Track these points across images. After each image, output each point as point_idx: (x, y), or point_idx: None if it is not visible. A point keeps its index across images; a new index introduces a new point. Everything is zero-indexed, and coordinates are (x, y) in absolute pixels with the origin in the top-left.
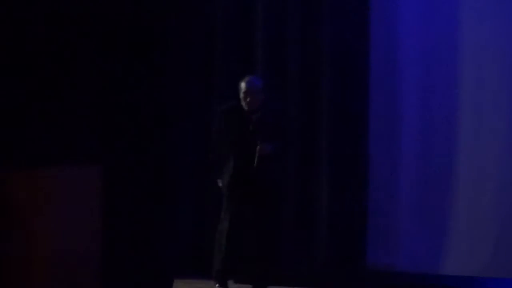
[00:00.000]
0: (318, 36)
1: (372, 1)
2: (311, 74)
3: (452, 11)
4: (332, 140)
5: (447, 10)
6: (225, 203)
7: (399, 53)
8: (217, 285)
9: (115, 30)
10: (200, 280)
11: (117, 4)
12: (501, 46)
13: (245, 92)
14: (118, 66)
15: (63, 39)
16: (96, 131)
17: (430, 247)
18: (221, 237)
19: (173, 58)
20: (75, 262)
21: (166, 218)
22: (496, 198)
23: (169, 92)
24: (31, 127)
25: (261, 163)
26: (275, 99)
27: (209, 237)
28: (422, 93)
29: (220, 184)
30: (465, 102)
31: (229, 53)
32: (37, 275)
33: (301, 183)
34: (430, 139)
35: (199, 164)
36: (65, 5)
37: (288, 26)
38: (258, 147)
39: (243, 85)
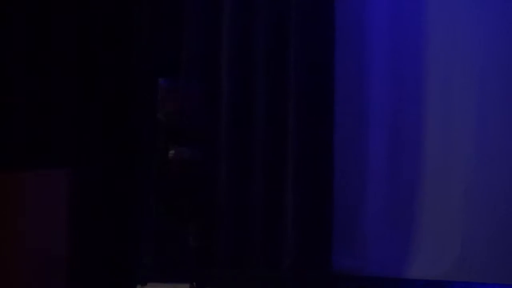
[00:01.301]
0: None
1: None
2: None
3: (420, 17)
4: (297, 143)
5: (415, 15)
6: None
7: (365, 60)
8: None
9: (86, 30)
10: (173, 283)
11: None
12: (470, 49)
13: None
14: (86, 67)
15: (32, 41)
16: (65, 133)
17: (397, 250)
18: None
19: (143, 59)
20: (42, 263)
21: (135, 219)
22: (464, 201)
23: (139, 92)
24: None
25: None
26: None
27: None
28: (390, 98)
29: None
30: (433, 106)
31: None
32: (4, 276)
33: (265, 186)
34: (398, 143)
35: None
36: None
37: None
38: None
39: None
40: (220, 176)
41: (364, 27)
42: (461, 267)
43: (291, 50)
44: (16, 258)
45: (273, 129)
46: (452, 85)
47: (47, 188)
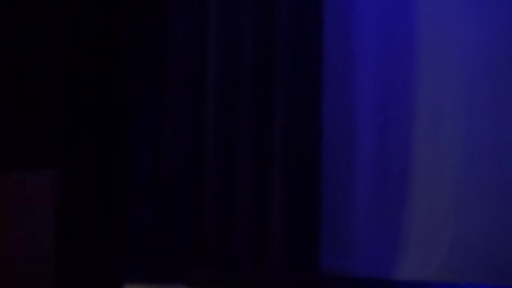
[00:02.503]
0: (271, 39)
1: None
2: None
3: (410, 17)
4: (284, 143)
5: (404, 16)
6: None
7: (354, 61)
8: None
9: (72, 32)
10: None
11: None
12: (459, 49)
13: None
14: (75, 67)
15: (19, 42)
16: (51, 135)
17: (386, 251)
18: None
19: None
20: (29, 262)
21: (121, 220)
22: (452, 202)
23: (124, 95)
24: None
25: None
26: None
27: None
28: (378, 99)
29: None
30: (422, 106)
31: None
32: None
33: (253, 187)
34: (386, 143)
35: (156, 166)
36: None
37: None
38: None
39: None
40: (206, 176)
41: (352, 26)
42: (450, 267)
43: (278, 51)
44: (2, 258)
45: (259, 129)
46: (440, 85)
47: (33, 189)
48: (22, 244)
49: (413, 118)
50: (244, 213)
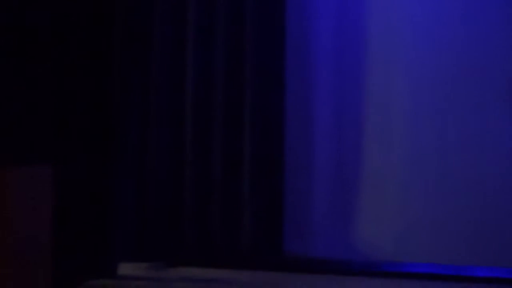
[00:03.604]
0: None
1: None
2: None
3: (364, 21)
4: (253, 143)
5: (359, 19)
6: None
7: (311, 65)
8: None
9: (67, 30)
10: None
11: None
12: (410, 50)
13: None
14: (69, 67)
15: (15, 41)
16: (46, 132)
17: (340, 235)
18: None
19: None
20: (29, 249)
21: (112, 208)
22: (398, 192)
23: (117, 91)
24: None
25: None
26: None
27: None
28: (335, 94)
29: None
30: (373, 108)
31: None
32: None
33: (225, 183)
34: (341, 141)
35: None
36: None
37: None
38: None
39: None
40: (181, 167)
41: (310, 29)
42: (396, 249)
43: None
44: (3, 244)
45: (231, 123)
46: (391, 87)
47: (32, 183)
48: (22, 232)
49: (365, 120)
50: (218, 204)
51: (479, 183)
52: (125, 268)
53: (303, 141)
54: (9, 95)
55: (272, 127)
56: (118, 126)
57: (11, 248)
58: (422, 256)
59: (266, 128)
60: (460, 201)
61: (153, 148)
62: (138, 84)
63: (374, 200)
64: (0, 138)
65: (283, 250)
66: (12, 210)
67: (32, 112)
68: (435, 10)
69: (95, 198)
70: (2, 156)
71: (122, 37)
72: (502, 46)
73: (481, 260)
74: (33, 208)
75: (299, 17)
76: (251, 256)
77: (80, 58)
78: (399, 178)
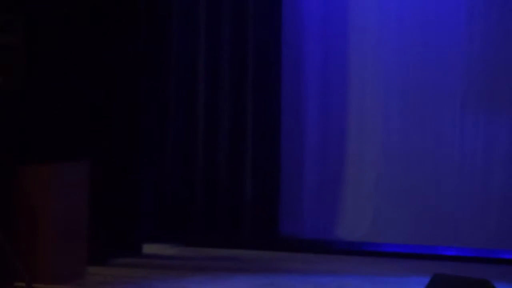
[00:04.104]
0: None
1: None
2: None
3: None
4: (254, 139)
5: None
6: None
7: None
8: None
9: (105, 32)
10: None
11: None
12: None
13: None
14: (105, 80)
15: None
16: (84, 134)
17: (326, 220)
18: None
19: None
20: (69, 230)
21: (137, 197)
22: (374, 182)
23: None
24: (33, 131)
25: None
26: None
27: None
28: (322, 94)
29: None
30: (353, 107)
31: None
32: (41, 241)
33: (230, 177)
34: (326, 138)
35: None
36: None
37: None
38: None
39: None
40: (192, 164)
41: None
42: (373, 231)
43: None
44: (48, 227)
45: (234, 128)
46: (367, 96)
47: (72, 176)
48: (63, 217)
49: (346, 122)
50: (224, 193)
51: (436, 173)
52: (149, 248)
53: (296, 144)
54: (54, 105)
55: (270, 129)
56: (142, 128)
57: (55, 229)
58: (398, 237)
59: (265, 131)
60: (423, 188)
61: (170, 147)
62: (157, 94)
63: (354, 189)
64: (46, 139)
65: (279, 231)
66: (55, 199)
67: (73, 119)
68: (406, 30)
69: (123, 188)
70: (48, 154)
71: (145, 57)
72: (460, 61)
73: (445, 240)
74: (72, 197)
75: (295, 54)
76: (252, 236)
77: (112, 70)
78: (374, 170)
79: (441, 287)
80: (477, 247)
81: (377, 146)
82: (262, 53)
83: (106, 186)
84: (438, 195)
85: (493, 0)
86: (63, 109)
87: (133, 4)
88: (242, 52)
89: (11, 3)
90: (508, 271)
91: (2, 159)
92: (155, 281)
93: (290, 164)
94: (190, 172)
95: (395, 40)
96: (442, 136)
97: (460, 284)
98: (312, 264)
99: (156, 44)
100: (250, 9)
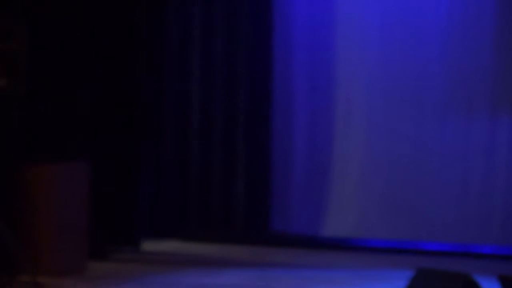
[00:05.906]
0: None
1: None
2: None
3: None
4: (246, 144)
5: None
6: None
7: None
8: None
9: (109, 35)
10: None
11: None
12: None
13: None
14: (103, 87)
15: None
16: (84, 136)
17: (314, 217)
18: None
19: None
20: (70, 226)
21: (135, 196)
22: (359, 180)
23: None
24: (34, 131)
25: None
26: None
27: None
28: (311, 95)
29: None
30: (339, 101)
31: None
32: (43, 237)
33: (223, 177)
34: (314, 139)
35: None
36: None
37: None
38: None
39: None
40: (192, 172)
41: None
42: (359, 227)
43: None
44: (50, 224)
45: (227, 135)
46: (353, 97)
47: (72, 176)
48: (65, 214)
49: (333, 122)
50: (217, 194)
51: (419, 170)
52: (147, 245)
53: (286, 144)
54: (54, 106)
55: (261, 129)
56: (139, 130)
57: (57, 227)
58: (382, 233)
59: (256, 130)
60: (406, 185)
61: (166, 146)
62: (154, 96)
63: (340, 188)
64: (48, 141)
65: (270, 227)
66: (57, 197)
67: (73, 119)
68: (391, 35)
69: (122, 187)
70: (49, 155)
71: (144, 61)
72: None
73: (428, 236)
74: (73, 195)
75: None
76: (245, 232)
77: (112, 71)
78: (359, 169)
79: (424, 280)
80: (459, 242)
81: (362, 145)
82: (253, 57)
83: (106, 185)
84: (421, 192)
85: (472, 4)
86: (63, 110)
87: (130, 9)
88: (233, 56)
89: (13, 7)
90: (488, 265)
91: (4, 159)
92: (153, 275)
93: (280, 163)
94: (186, 171)
95: (380, 44)
96: (424, 136)
97: (442, 277)
98: (301, 258)
99: (154, 47)
100: (242, 11)
